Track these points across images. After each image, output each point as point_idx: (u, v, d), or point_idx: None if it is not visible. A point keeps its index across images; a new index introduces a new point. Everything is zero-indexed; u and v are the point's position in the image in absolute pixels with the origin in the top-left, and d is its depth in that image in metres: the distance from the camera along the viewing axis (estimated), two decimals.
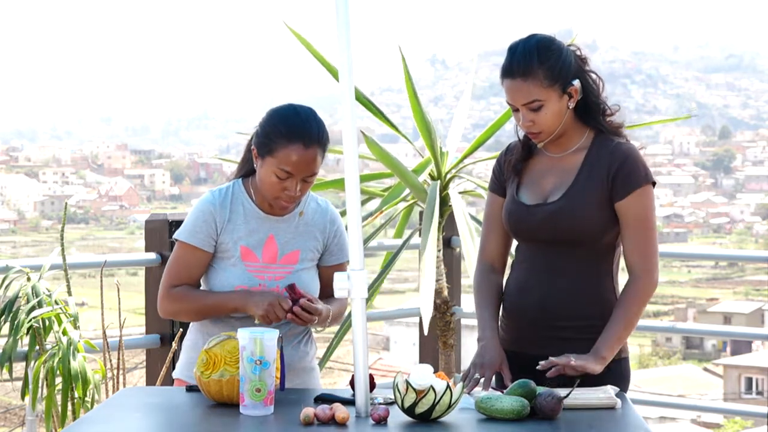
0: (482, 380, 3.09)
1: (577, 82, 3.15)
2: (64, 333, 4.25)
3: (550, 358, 3.03)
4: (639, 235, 3.14)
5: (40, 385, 4.18)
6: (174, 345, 4.57)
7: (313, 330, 3.40)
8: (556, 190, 3.19)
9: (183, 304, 3.24)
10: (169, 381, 4.69)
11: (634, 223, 3.13)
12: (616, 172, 3.14)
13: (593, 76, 3.20)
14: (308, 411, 2.71)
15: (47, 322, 4.25)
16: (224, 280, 3.23)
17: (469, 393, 3.02)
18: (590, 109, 3.19)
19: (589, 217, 3.13)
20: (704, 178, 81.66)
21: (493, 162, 3.43)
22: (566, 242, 3.15)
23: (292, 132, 3.13)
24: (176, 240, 3.27)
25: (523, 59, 3.11)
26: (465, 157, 5.47)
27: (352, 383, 2.88)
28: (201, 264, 3.25)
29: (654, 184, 3.19)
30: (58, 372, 4.17)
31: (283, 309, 3.12)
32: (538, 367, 3.03)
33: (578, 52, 3.20)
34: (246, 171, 3.31)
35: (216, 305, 3.20)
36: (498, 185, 3.34)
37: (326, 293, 3.37)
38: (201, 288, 3.30)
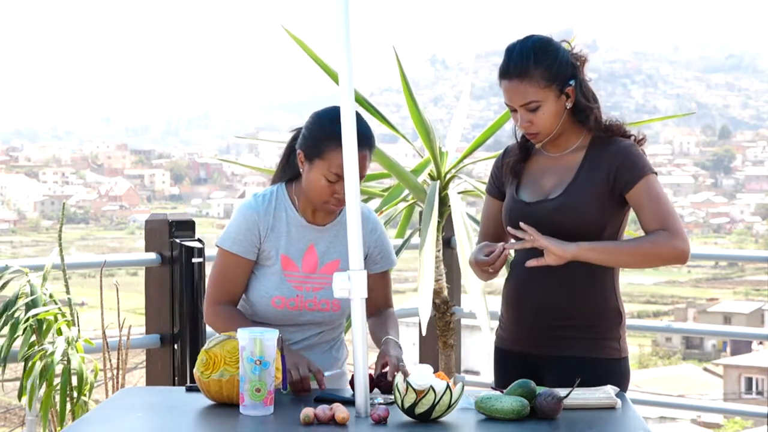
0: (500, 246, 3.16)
1: (574, 83, 3.16)
2: (59, 333, 4.25)
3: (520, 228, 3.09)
4: (657, 213, 3.11)
5: (37, 384, 4.18)
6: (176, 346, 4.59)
7: (344, 335, 3.41)
8: (557, 188, 3.20)
9: (222, 325, 3.18)
10: (168, 381, 4.69)
11: (649, 204, 3.12)
12: (617, 168, 3.14)
13: (585, 81, 3.20)
14: (308, 411, 2.71)
15: (46, 322, 4.25)
16: (262, 289, 3.21)
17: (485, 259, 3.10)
18: (583, 113, 3.19)
19: (589, 212, 3.14)
20: (704, 178, 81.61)
21: (493, 162, 3.44)
22: (566, 239, 3.15)
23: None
24: (219, 247, 3.21)
25: (520, 60, 3.12)
26: (464, 157, 5.47)
27: (352, 383, 2.88)
28: (245, 273, 3.21)
29: (656, 174, 3.19)
30: (56, 372, 4.17)
31: (299, 373, 3.03)
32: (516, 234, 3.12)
33: (574, 52, 3.20)
34: (288, 177, 3.28)
35: None
36: (495, 188, 3.36)
37: (373, 302, 3.31)
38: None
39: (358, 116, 3.15)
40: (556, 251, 3.07)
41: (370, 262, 3.31)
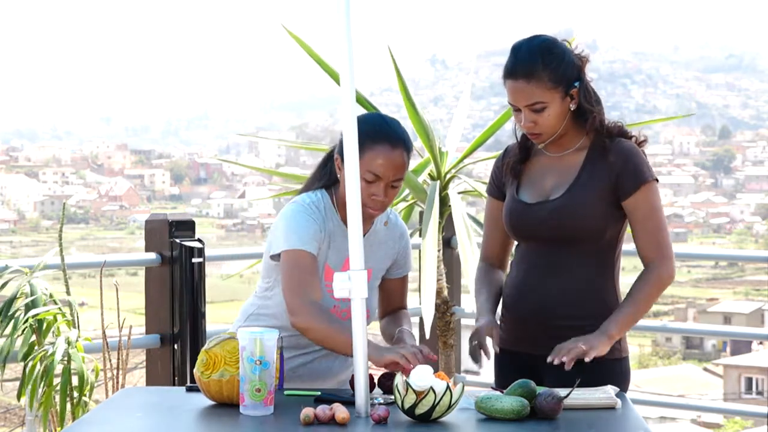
0: (488, 344, 3.14)
1: (578, 84, 3.15)
2: (58, 333, 4.25)
3: (557, 350, 3.03)
4: (650, 229, 3.14)
5: (37, 384, 4.18)
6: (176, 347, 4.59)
7: None
8: (558, 188, 3.20)
9: (316, 322, 3.05)
10: (168, 381, 4.69)
11: (643, 218, 3.14)
12: (619, 171, 3.14)
13: (589, 83, 3.20)
14: (308, 411, 2.71)
15: (46, 322, 4.25)
16: None
17: (476, 362, 3.03)
18: (586, 114, 3.19)
19: (591, 213, 3.14)
20: (704, 178, 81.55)
21: (493, 162, 3.44)
22: (567, 240, 3.15)
23: (378, 133, 3.11)
24: (294, 250, 3.10)
25: (527, 60, 3.10)
26: (465, 157, 5.47)
27: (352, 383, 2.88)
28: (318, 271, 3.15)
29: (657, 180, 3.19)
30: (55, 371, 4.16)
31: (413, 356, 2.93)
32: (548, 360, 3.03)
33: (576, 52, 3.20)
34: (323, 184, 3.25)
35: (342, 340, 2.99)
36: (496, 189, 3.35)
37: (391, 304, 3.37)
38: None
39: (389, 117, 3.20)
40: (603, 350, 3.06)
41: (395, 267, 3.35)
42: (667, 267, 3.15)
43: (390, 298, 3.40)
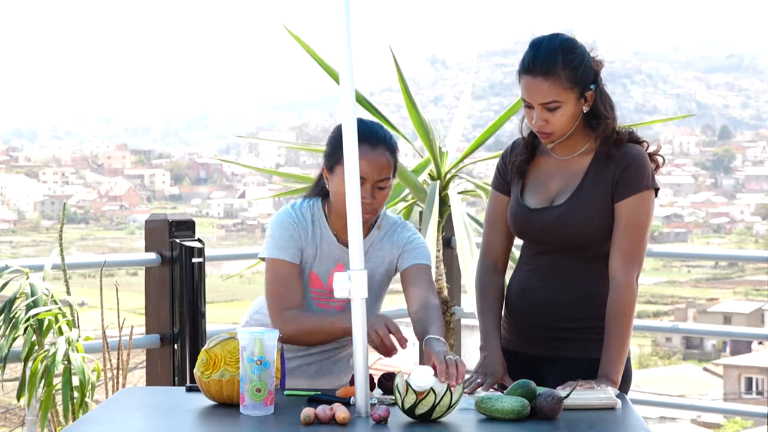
0: (483, 386, 3.10)
1: (594, 88, 3.14)
2: (60, 332, 4.25)
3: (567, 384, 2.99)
4: (628, 240, 3.11)
5: (37, 384, 4.18)
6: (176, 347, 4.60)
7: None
8: (562, 194, 3.18)
9: (298, 326, 3.13)
10: (168, 381, 4.69)
11: (626, 226, 3.12)
12: (621, 173, 3.13)
13: (604, 88, 3.18)
14: (308, 411, 2.71)
15: (46, 322, 4.25)
16: None
17: (470, 393, 3.02)
18: (598, 118, 3.17)
19: (594, 221, 3.12)
20: (704, 178, 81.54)
21: (493, 162, 3.42)
22: (571, 245, 3.15)
23: (358, 135, 3.10)
24: (268, 258, 3.17)
25: (548, 58, 3.08)
26: (465, 157, 5.47)
27: (352, 383, 2.88)
28: (298, 278, 3.18)
29: (657, 191, 3.18)
30: (56, 371, 4.17)
31: (387, 330, 2.95)
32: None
33: (592, 55, 3.19)
34: (320, 194, 3.25)
35: (330, 326, 3.10)
36: (502, 183, 3.32)
37: (414, 294, 3.22)
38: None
39: (369, 120, 3.19)
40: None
41: (401, 259, 3.25)
42: (631, 288, 3.09)
43: (411, 288, 3.25)
